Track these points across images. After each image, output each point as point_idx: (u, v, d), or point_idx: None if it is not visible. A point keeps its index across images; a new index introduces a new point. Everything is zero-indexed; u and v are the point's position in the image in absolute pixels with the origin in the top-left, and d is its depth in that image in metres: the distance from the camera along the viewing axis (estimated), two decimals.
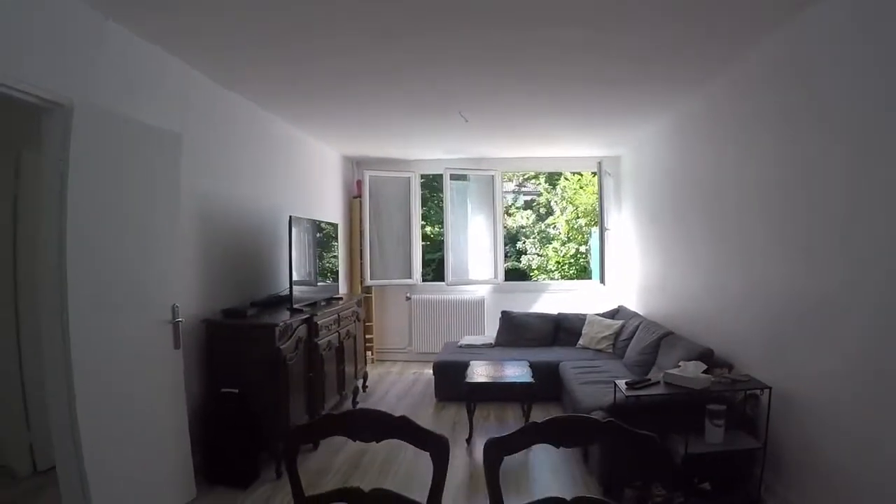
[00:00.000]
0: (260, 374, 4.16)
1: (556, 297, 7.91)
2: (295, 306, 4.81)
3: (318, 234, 5.68)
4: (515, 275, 10.87)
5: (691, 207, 5.00)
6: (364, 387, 6.63)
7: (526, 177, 11.88)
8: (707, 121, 4.67)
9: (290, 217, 4.86)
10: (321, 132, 6.55)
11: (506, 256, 11.46)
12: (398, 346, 8.18)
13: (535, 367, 5.57)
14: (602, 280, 6.90)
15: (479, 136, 6.51)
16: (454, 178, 7.99)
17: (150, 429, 3.44)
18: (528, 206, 11.96)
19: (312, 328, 4.82)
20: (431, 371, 6.17)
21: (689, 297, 5.10)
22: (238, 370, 4.19)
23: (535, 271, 11.10)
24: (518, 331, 6.75)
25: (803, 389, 3.27)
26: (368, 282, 7.97)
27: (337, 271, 6.12)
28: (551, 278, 10.71)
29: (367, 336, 7.97)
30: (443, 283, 7.99)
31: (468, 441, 4.83)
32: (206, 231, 4.48)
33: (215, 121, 4.65)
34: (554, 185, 11.41)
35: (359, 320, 6.29)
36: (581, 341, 6.46)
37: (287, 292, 4.95)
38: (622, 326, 6.09)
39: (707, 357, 4.08)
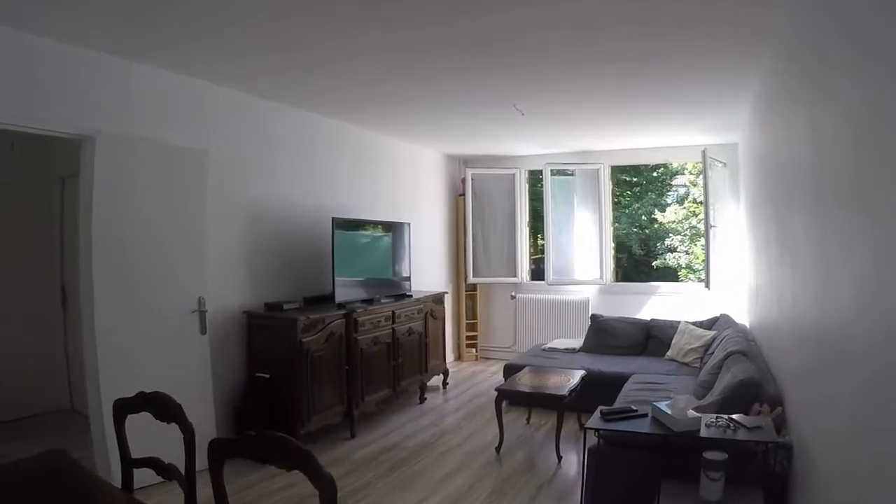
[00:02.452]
0: (285, 363, 4.54)
1: (664, 301, 7.18)
2: (339, 302, 5.02)
3: (381, 234, 5.87)
4: (663, 273, 10.07)
5: (825, 204, 3.98)
6: (444, 384, 6.68)
7: (677, 170, 10.88)
8: None
9: (333, 219, 5.08)
10: (410, 134, 6.74)
11: (655, 254, 10.72)
12: (503, 344, 8.06)
13: (604, 378, 5.27)
14: (707, 284, 6.10)
15: (571, 127, 6.19)
16: (557, 172, 7.63)
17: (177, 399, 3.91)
18: (680, 200, 10.96)
19: (351, 324, 4.99)
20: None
21: (803, 314, 4.12)
22: (270, 357, 4.65)
23: (684, 270, 10.17)
24: (606, 337, 6.28)
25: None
26: (472, 279, 7.97)
27: (407, 269, 6.20)
28: (699, 279, 9.74)
29: (471, 334, 8.01)
30: (544, 282, 7.69)
31: (497, 450, 4.63)
32: (256, 232, 4.97)
33: (275, 134, 5.21)
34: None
35: (433, 318, 6.33)
36: (669, 352, 5.81)
37: (349, 289, 5.25)
38: (713, 339, 5.36)
39: (748, 388, 3.38)
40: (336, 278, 5.03)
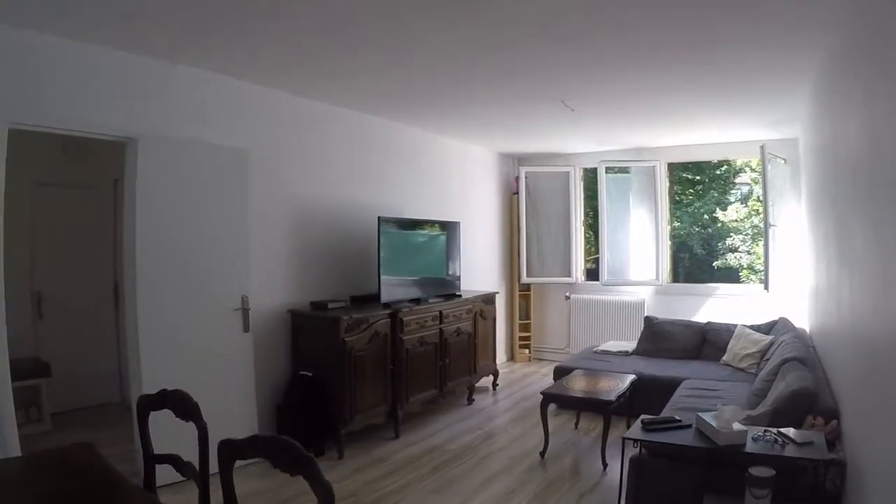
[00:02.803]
0: (328, 362, 4.58)
1: (721, 303, 6.85)
2: (384, 301, 5.03)
3: (429, 233, 5.85)
4: (724, 274, 9.66)
5: (883, 204, 3.61)
6: (494, 385, 6.60)
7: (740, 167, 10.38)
8: None
9: (379, 217, 5.08)
10: (460, 132, 6.70)
11: (716, 253, 10.29)
12: (557, 346, 7.90)
13: (656, 383, 5.11)
14: (766, 286, 5.77)
15: (624, 122, 6.00)
16: (613, 170, 7.41)
17: (218, 401, 3.87)
18: (743, 199, 10.47)
19: (397, 324, 4.99)
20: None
21: (861, 320, 3.80)
22: (314, 356, 4.70)
23: (745, 270, 9.71)
24: (659, 340, 6.05)
25: None
26: (525, 279, 7.85)
27: (457, 269, 6.15)
28: (759, 280, 9.24)
29: (525, 335, 7.89)
30: (598, 282, 7.49)
31: (542, 455, 4.53)
32: (302, 231, 5.03)
33: (320, 133, 5.27)
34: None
35: (483, 318, 6.26)
36: (725, 357, 5.54)
37: (395, 289, 5.25)
38: (771, 343, 5.07)
39: (801, 399, 3.17)
40: (382, 277, 5.03)
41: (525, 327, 8.05)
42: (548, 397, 4.54)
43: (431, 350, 5.40)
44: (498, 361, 7.34)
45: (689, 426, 3.06)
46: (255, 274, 4.46)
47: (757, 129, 6.08)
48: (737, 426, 2.85)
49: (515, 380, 7.08)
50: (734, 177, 10.59)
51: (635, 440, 2.99)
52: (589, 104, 5.22)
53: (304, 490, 3.76)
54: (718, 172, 10.56)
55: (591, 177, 8.05)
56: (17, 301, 5.02)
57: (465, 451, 4.71)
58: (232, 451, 1.79)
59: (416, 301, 5.43)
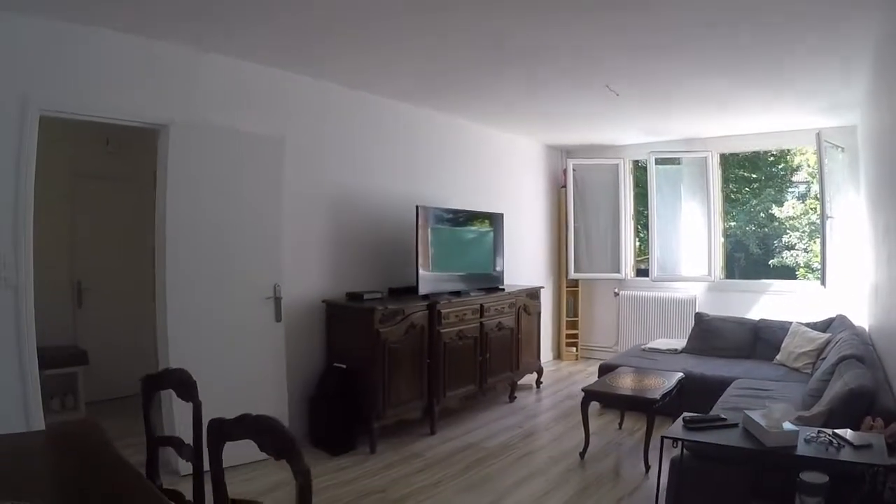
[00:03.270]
0: (362, 354, 4.51)
1: (776, 300, 6.47)
2: (422, 293, 4.94)
3: (471, 225, 5.72)
4: (780, 273, 9.20)
5: None
6: (538, 383, 6.43)
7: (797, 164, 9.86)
8: None
9: (417, 207, 5.00)
10: (504, 122, 6.56)
11: (772, 251, 9.80)
12: (606, 344, 7.64)
13: (705, 382, 4.85)
14: (823, 281, 5.40)
15: (672, 108, 5.72)
16: (663, 161, 7.11)
17: (248, 389, 4.01)
18: (801, 197, 9.93)
19: (435, 316, 4.89)
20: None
21: None
22: (348, 347, 4.65)
23: (802, 269, 9.20)
24: (711, 338, 5.75)
25: None
26: (573, 274, 7.63)
27: (499, 262, 6.01)
28: (817, 278, 8.72)
29: (572, 332, 7.68)
30: (648, 278, 7.21)
31: (582, 455, 4.35)
32: (339, 221, 4.98)
33: (359, 122, 5.21)
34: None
35: (527, 313, 6.10)
36: (779, 356, 5.21)
37: (434, 281, 5.16)
38: (828, 342, 4.73)
39: (859, 399, 2.89)
40: (420, 269, 4.94)
41: (572, 325, 7.83)
42: (589, 395, 4.35)
43: (471, 344, 5.28)
44: (543, 360, 7.18)
45: (736, 426, 2.84)
46: (288, 263, 4.43)
47: (812, 116, 5.72)
48: (787, 426, 2.62)
49: (561, 378, 6.88)
50: (791, 174, 10.08)
51: (675, 439, 2.79)
52: (634, 89, 4.99)
53: (331, 484, 3.75)
54: (775, 170, 10.08)
55: (640, 170, 7.76)
56: (58, 290, 5.28)
57: (502, 450, 4.57)
58: (221, 429, 1.72)
59: (457, 294, 5.31)
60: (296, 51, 4.13)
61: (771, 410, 2.65)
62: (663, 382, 4.43)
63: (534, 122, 6.50)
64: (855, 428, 2.73)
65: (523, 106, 5.66)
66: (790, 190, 10.00)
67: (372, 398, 4.46)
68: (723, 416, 2.99)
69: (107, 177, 5.56)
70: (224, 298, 4.00)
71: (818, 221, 9.09)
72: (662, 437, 2.98)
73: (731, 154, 7.64)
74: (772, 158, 9.94)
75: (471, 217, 5.79)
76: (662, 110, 5.75)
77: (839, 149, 5.86)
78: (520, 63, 4.35)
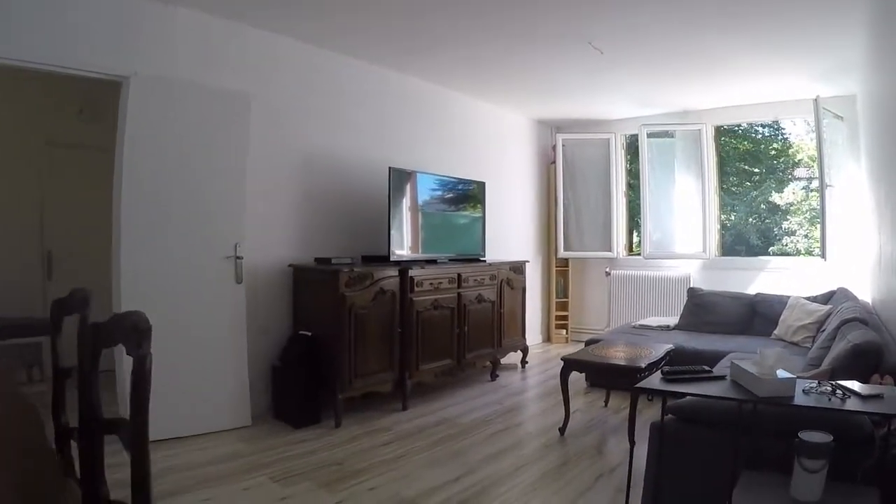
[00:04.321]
0: (327, 320, 4.21)
1: (774, 277, 6.15)
2: (395, 259, 4.66)
3: (449, 191, 5.40)
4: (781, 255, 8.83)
5: None
6: (523, 362, 6.09)
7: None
8: None
9: (390, 168, 4.69)
10: (489, 92, 6.25)
11: (772, 240, 9.45)
12: (597, 326, 7.29)
13: (698, 357, 4.43)
14: (823, 254, 5.05)
15: (660, 74, 5.40)
16: (655, 135, 6.77)
17: (205, 353, 3.87)
18: (804, 189, 9.58)
19: (407, 283, 4.56)
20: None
21: None
22: (314, 314, 4.38)
23: (803, 255, 8.85)
24: (704, 313, 5.41)
25: None
26: (562, 253, 7.29)
27: (480, 231, 5.68)
28: (815, 252, 8.43)
29: (562, 314, 7.35)
30: (640, 256, 6.87)
31: (562, 431, 4.01)
32: (312, 185, 4.74)
33: (336, 85, 4.98)
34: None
35: (510, 287, 5.76)
36: (777, 330, 4.87)
37: (406, 249, 4.90)
38: (828, 314, 4.39)
39: (865, 356, 2.54)
40: (392, 233, 4.64)
41: (562, 306, 7.49)
42: (569, 364, 4.00)
43: (448, 315, 4.94)
44: (532, 342, 6.95)
45: (723, 378, 2.48)
46: (252, 225, 4.20)
47: (810, 82, 5.41)
48: (782, 374, 2.26)
49: (548, 359, 6.54)
50: (792, 168, 9.77)
51: (650, 391, 2.44)
52: (620, 48, 4.67)
53: (285, 456, 3.44)
54: (776, 164, 9.78)
55: (632, 145, 7.42)
56: (28, 260, 5.13)
57: (477, 426, 4.24)
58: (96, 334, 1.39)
59: (433, 262, 4.99)
60: (267, 7, 3.96)
61: (763, 356, 2.28)
62: (650, 352, 4.09)
63: (520, 93, 6.18)
64: None
65: (503, 66, 5.29)
66: (792, 182, 9.68)
67: (337, 368, 4.16)
68: (706, 367, 2.61)
69: (82, 146, 5.30)
70: (182, 256, 3.80)
71: (818, 207, 8.86)
72: (633, 389, 2.62)
73: (728, 130, 7.30)
74: (773, 152, 9.67)
75: (451, 184, 5.47)
76: (652, 76, 5.43)
77: (839, 118, 5.53)
78: (495, 20, 4.08)
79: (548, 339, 7.53)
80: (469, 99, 6.29)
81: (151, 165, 3.69)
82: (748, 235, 9.65)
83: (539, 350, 6.98)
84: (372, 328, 4.37)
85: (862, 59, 4.57)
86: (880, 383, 2.38)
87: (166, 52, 3.84)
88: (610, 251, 7.15)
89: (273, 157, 4.45)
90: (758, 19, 4.00)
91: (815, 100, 5.03)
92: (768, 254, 9.60)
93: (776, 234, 9.50)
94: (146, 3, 3.75)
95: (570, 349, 6.91)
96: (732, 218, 9.32)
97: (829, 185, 5.02)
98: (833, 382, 2.20)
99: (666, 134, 6.78)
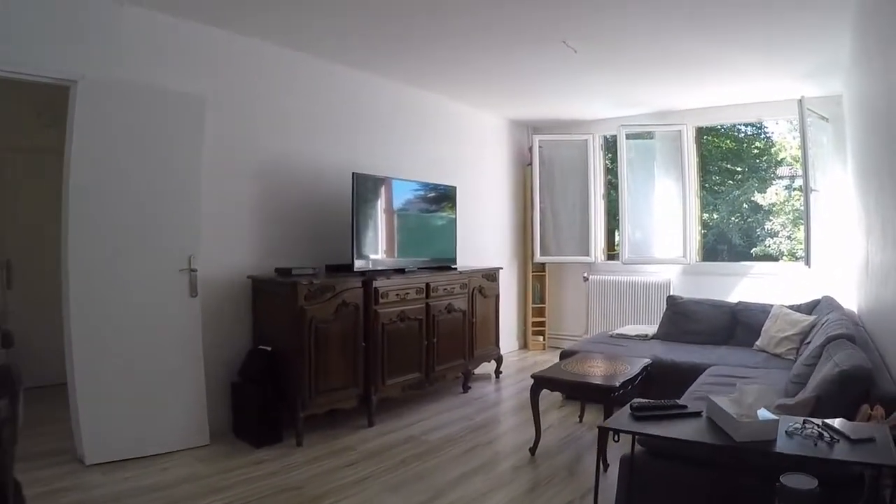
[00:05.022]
0: (286, 335, 4.00)
1: (757, 283, 5.98)
2: (359, 269, 4.44)
3: (421, 199, 5.20)
4: (764, 260, 8.72)
5: None
6: (497, 373, 5.87)
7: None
8: None
9: (354, 174, 4.45)
10: (460, 92, 6.01)
11: (755, 241, 9.35)
12: (575, 332, 7.11)
13: (677, 370, 4.34)
14: (807, 261, 4.89)
15: (638, 74, 5.20)
16: (635, 136, 6.59)
17: (159, 370, 3.67)
18: (787, 188, 9.51)
19: (371, 294, 4.32)
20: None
21: None
22: (273, 327, 4.15)
23: (785, 257, 8.77)
24: (684, 322, 5.23)
25: None
26: (539, 258, 7.08)
27: (452, 238, 5.46)
28: (800, 258, 8.35)
29: (539, 319, 7.16)
30: (617, 261, 6.70)
31: (532, 451, 3.80)
32: (272, 191, 4.50)
33: (299, 87, 4.73)
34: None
35: (483, 295, 5.54)
36: (759, 341, 4.70)
37: (372, 258, 4.65)
38: (813, 325, 4.23)
39: (854, 383, 2.34)
40: (356, 242, 4.41)
41: (539, 312, 7.29)
42: (539, 381, 3.79)
43: (415, 327, 4.72)
44: (508, 349, 6.75)
45: (698, 415, 2.29)
46: (210, 235, 3.99)
47: (794, 82, 5.24)
48: (764, 414, 2.07)
49: (524, 368, 6.33)
50: (776, 167, 9.69)
51: (616, 431, 2.22)
52: (596, 47, 4.47)
53: (243, 479, 3.21)
54: (759, 162, 9.70)
55: (611, 146, 7.24)
56: None
57: (445, 444, 4.03)
58: None
59: (400, 271, 4.77)
60: (223, 4, 3.73)
61: (743, 394, 2.09)
62: (626, 369, 3.89)
63: (495, 93, 5.95)
64: (850, 417, 2.21)
65: (479, 67, 5.07)
66: (775, 182, 9.61)
67: (297, 384, 3.94)
68: (680, 402, 2.42)
69: (42, 150, 5.01)
70: (134, 270, 3.61)
71: (802, 208, 8.75)
72: (599, 428, 2.42)
73: (710, 130, 7.14)
74: (756, 151, 9.56)
75: (421, 189, 5.25)
76: (631, 75, 5.23)
77: (824, 119, 5.37)
78: (468, 22, 3.87)
79: (524, 345, 7.33)
80: (441, 99, 6.06)
81: (100, 174, 3.48)
82: (731, 234, 9.55)
83: (515, 358, 6.78)
84: (334, 343, 4.14)
85: (848, 58, 4.42)
86: (870, 414, 2.19)
87: (116, 53, 3.61)
88: (588, 256, 6.95)
89: (232, 163, 4.22)
90: (740, 18, 3.83)
91: (800, 101, 4.86)
92: (751, 255, 9.53)
93: (759, 235, 9.42)
94: (94, 3, 3.52)
95: (547, 356, 6.75)
96: (715, 216, 9.23)
97: (814, 190, 4.85)
98: (820, 422, 2.01)
99: (645, 135, 6.59)
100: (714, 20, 3.89)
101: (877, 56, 2.89)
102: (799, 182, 9.34)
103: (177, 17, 3.88)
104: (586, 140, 6.92)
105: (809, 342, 4.03)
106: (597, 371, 3.87)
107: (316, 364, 4.01)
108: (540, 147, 7.07)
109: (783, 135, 9.05)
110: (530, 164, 7.14)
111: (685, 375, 4.15)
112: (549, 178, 7.07)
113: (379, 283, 4.38)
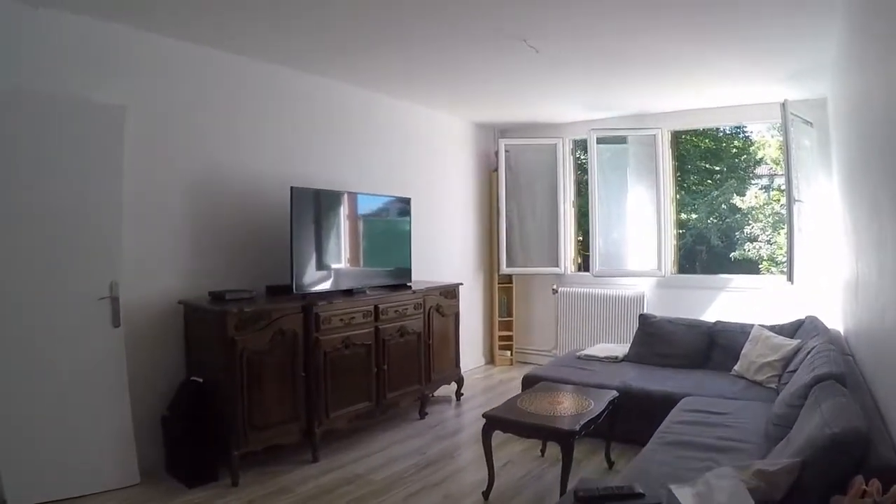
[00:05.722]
0: (218, 367, 3.62)
1: (737, 298, 5.64)
2: (300, 293, 4.05)
3: (370, 211, 4.82)
4: (742, 266, 8.54)
5: None
6: (458, 395, 5.49)
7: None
8: None
9: (292, 188, 4.05)
10: (427, 96, 5.65)
11: (734, 243, 9.15)
12: (544, 347, 6.77)
13: (649, 399, 4.04)
14: (790, 276, 4.56)
15: (608, 76, 4.85)
16: (606, 140, 6.24)
17: (80, 406, 3.37)
18: (764, 189, 9.33)
19: (312, 320, 3.93)
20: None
21: None
22: (205, 357, 3.79)
23: (765, 262, 8.58)
24: (657, 343, 4.89)
25: None
26: (505, 269, 6.71)
27: (405, 254, 5.07)
28: (781, 272, 8.12)
29: (506, 333, 6.81)
30: (588, 273, 6.35)
31: (485, 495, 3.42)
32: (206, 207, 4.11)
33: (236, 93, 4.33)
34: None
35: (441, 314, 5.16)
36: (738, 366, 4.37)
37: (315, 279, 4.25)
38: (796, 350, 3.91)
39: (846, 450, 1.94)
40: (296, 263, 4.01)
41: (506, 325, 6.93)
42: (491, 422, 3.41)
43: (363, 354, 4.32)
44: (473, 365, 6.46)
45: None
46: (134, 257, 3.65)
47: (776, 86, 4.92)
48: None
49: (489, 387, 5.96)
50: (754, 167, 9.45)
51: None
52: (561, 47, 4.11)
53: None
54: (737, 162, 9.50)
55: (582, 151, 6.90)
56: None
57: (392, 484, 3.66)
58: None
59: (348, 293, 4.38)
60: (143, 4, 3.31)
61: (711, 489, 1.72)
62: (589, 405, 3.53)
63: (457, 94, 5.54)
64: (839, 489, 1.85)
65: (437, 66, 4.66)
66: (753, 182, 9.41)
67: (229, 420, 3.55)
68: (635, 487, 2.04)
69: None
70: (47, 300, 3.27)
71: (783, 211, 8.51)
72: None
73: (687, 133, 6.82)
74: (735, 150, 9.46)
75: (371, 201, 4.86)
76: (602, 76, 4.86)
77: (808, 124, 5.06)
78: (421, 5, 3.44)
79: (491, 360, 6.96)
80: (397, 102, 5.64)
81: (5, 195, 3.11)
82: (709, 235, 9.33)
83: (480, 375, 6.41)
84: (270, 375, 3.75)
85: (834, 59, 4.11)
86: (864, 490, 1.84)
87: (25, 60, 3.21)
88: (557, 267, 6.60)
89: (160, 178, 3.83)
90: (719, 15, 3.47)
91: (783, 104, 4.52)
92: (730, 259, 9.30)
93: (738, 239, 9.19)
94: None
95: (514, 373, 6.40)
96: (693, 217, 9.00)
97: (798, 200, 4.52)
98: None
99: (618, 140, 6.24)
100: (688, 20, 3.56)
101: (871, 52, 2.54)
102: (778, 182, 9.14)
103: (95, 19, 3.45)
104: (555, 144, 6.56)
105: (793, 371, 3.71)
106: (557, 408, 3.50)
107: (250, 399, 3.64)
108: (506, 151, 6.69)
109: (762, 133, 8.83)
110: (496, 169, 6.76)
111: (657, 406, 3.86)
112: (515, 185, 6.70)
113: (321, 309, 3.98)
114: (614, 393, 3.82)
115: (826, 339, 3.70)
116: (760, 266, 8.64)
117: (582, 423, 3.22)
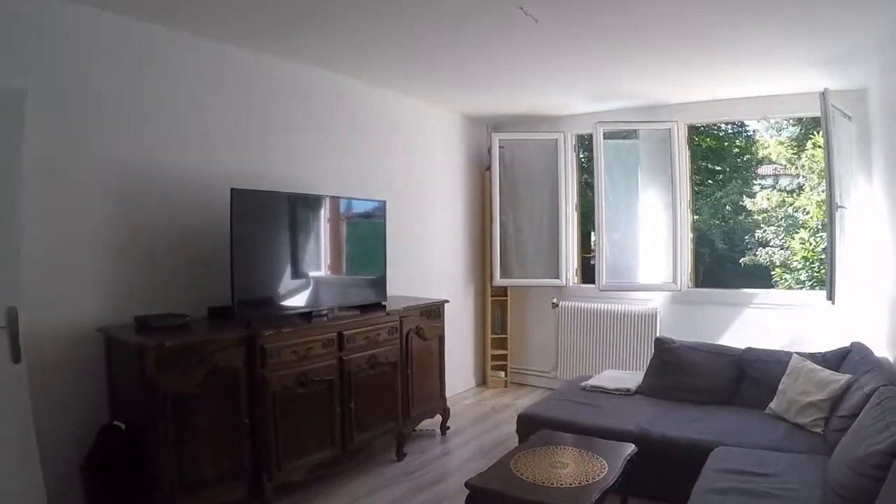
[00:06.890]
0: (140, 411, 2.92)
1: (763, 317, 4.92)
2: (244, 318, 3.32)
3: (336, 218, 4.08)
4: (752, 272, 8.03)
5: None
6: (444, 429, 4.77)
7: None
8: None
9: (233, 191, 3.32)
10: (411, 85, 4.96)
11: (740, 247, 8.59)
12: (542, 367, 6.07)
13: (671, 448, 3.31)
14: (830, 295, 3.83)
15: (616, 53, 4.09)
16: (614, 135, 5.51)
17: None
18: (772, 187, 8.84)
19: (256, 354, 3.20)
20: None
21: None
22: (128, 398, 3.09)
23: (778, 269, 8.05)
24: (676, 374, 4.16)
25: None
26: (499, 281, 5.98)
27: (379, 268, 4.34)
28: (796, 280, 7.53)
29: (500, 352, 6.10)
30: (594, 285, 5.63)
31: None
32: (133, 214, 3.41)
33: (174, 76, 3.60)
34: (799, 153, 7.95)
35: (422, 338, 4.43)
36: (773, 404, 3.63)
37: (265, 299, 3.57)
38: (846, 388, 3.20)
39: None
40: (237, 281, 3.29)
41: (500, 343, 6.20)
42: (477, 493, 2.68)
43: (323, 391, 3.60)
44: (464, 387, 5.87)
45: None
46: (42, 276, 2.97)
47: (808, 72, 4.24)
48: None
49: (480, 417, 5.24)
50: (756, 167, 9.03)
51: None
52: (563, 19, 3.40)
53: None
54: (740, 161, 9.16)
55: (587, 146, 6.18)
56: None
57: None
58: None
59: (306, 316, 3.64)
60: None
61: None
62: (600, 469, 2.79)
63: (444, 81, 4.83)
64: None
65: (420, 48, 3.96)
66: (756, 182, 8.95)
67: (158, 477, 2.85)
68: None
69: None
70: None
71: (796, 215, 7.93)
72: None
73: (704, 126, 6.11)
74: (737, 150, 9.15)
75: (336, 206, 4.14)
76: (610, 59, 4.15)
77: (847, 118, 4.36)
78: None
79: (483, 382, 6.24)
80: (373, 89, 4.90)
81: None
82: (713, 238, 8.76)
83: (470, 400, 5.71)
84: (205, 422, 3.05)
85: (880, 45, 3.45)
86: None
87: None
88: (558, 278, 5.87)
89: (76, 179, 3.14)
90: None
91: (823, 94, 3.80)
92: (739, 264, 8.67)
93: (748, 244, 8.58)
94: None
95: (508, 398, 5.73)
96: (696, 218, 8.39)
97: (841, 206, 3.80)
98: None
99: (628, 134, 5.52)
100: None
101: None
102: (783, 182, 8.64)
103: None
104: (556, 139, 5.83)
105: (844, 416, 3.03)
106: (560, 473, 2.76)
107: (179, 453, 2.93)
108: (501, 147, 5.96)
109: (760, 132, 8.55)
110: (489, 167, 6.03)
111: (682, 458, 3.19)
112: (511, 185, 5.97)
113: (267, 340, 3.26)
114: (631, 447, 3.09)
115: (883, 375, 3.02)
116: (773, 273, 8.08)
117: (593, 498, 2.49)
